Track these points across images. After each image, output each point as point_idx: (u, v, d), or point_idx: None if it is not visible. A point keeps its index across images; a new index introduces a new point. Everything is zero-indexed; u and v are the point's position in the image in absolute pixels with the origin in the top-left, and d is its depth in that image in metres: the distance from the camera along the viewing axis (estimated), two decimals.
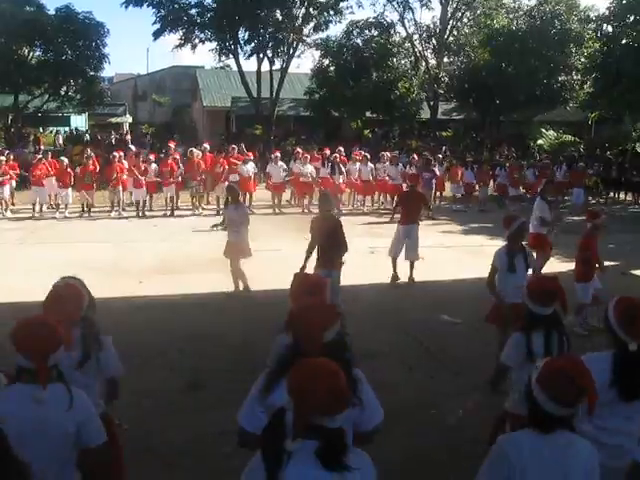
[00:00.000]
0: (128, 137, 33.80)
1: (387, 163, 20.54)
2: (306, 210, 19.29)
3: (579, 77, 34.58)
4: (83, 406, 3.21)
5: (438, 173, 20.89)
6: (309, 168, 20.17)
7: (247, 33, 33.05)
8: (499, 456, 2.90)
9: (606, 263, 10.27)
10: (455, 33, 37.01)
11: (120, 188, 18.80)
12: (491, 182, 22.89)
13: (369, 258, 12.45)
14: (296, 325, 3.26)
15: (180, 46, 33.44)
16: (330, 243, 8.36)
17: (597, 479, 2.87)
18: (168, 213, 18.93)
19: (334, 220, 8.72)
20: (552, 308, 4.44)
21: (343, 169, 20.21)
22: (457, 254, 13.92)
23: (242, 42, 33.51)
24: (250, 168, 19.87)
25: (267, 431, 2.61)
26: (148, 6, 31.27)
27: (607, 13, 26.28)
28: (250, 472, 2.61)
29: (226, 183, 18.79)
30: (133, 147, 21.30)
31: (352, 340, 4.20)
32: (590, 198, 22.96)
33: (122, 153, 20.19)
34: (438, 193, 22.25)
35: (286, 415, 2.54)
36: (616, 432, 3.70)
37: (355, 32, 35.52)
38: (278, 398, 3.02)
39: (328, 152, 21.76)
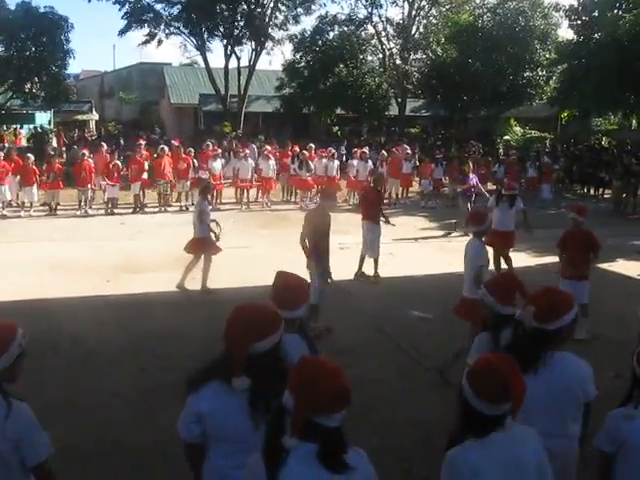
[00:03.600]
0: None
1: (357, 160, 20.49)
2: (267, 206, 19.84)
3: (544, 73, 34.88)
4: (21, 420, 2.90)
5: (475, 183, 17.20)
6: (271, 164, 20.29)
7: (215, 28, 33.06)
8: (453, 472, 2.78)
9: None
10: (422, 30, 37.11)
11: (89, 186, 18.56)
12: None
13: (339, 254, 12.42)
14: (225, 332, 2.97)
15: (146, 42, 33.32)
16: (326, 237, 8.67)
17: (549, 469, 2.82)
18: (138, 210, 18.73)
19: (329, 216, 8.86)
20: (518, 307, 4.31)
21: (312, 166, 20.17)
22: (426, 250, 13.98)
23: (210, 37, 33.58)
24: (220, 165, 19.82)
25: (267, 428, 2.57)
26: (114, 3, 31.24)
27: (576, 5, 26.31)
28: (250, 474, 2.57)
29: (189, 180, 19.15)
30: (104, 145, 21.01)
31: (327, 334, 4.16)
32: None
33: (87, 151, 19.90)
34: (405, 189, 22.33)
35: (285, 412, 2.48)
36: None
37: (325, 27, 35.59)
38: (200, 405, 2.99)
39: (298, 149, 21.74)
